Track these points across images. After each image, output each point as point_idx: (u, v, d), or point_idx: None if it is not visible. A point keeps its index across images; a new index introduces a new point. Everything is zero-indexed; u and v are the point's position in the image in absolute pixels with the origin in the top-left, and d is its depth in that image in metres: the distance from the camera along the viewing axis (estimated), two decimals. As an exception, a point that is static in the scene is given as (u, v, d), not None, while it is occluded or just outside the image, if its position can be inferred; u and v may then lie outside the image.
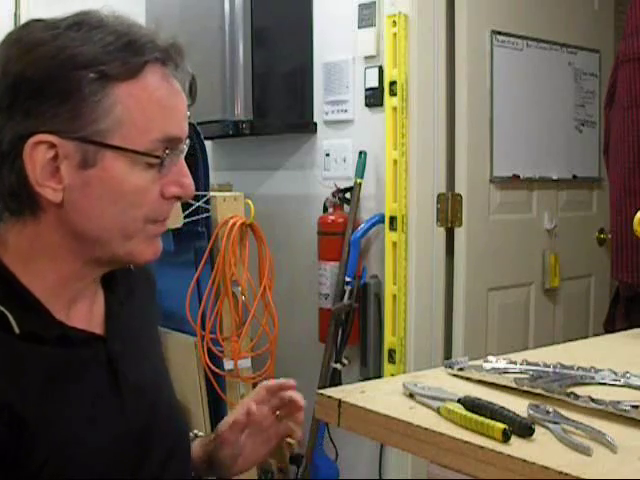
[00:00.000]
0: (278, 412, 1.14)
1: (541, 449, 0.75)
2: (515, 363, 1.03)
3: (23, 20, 2.42)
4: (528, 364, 1.02)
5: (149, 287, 1.13)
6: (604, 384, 0.97)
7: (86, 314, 0.95)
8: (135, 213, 0.89)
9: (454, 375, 1.02)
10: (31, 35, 0.86)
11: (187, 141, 0.94)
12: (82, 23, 0.87)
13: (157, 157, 0.88)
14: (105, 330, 0.96)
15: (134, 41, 0.87)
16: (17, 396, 0.83)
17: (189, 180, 0.93)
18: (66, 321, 0.91)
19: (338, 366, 2.54)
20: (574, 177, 2.97)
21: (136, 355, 0.99)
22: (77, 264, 0.91)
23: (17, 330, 0.85)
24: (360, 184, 2.56)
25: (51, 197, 0.86)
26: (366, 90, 2.58)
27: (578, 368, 1.01)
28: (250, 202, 2.27)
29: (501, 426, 0.77)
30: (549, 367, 1.01)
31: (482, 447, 0.76)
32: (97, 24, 0.87)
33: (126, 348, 0.97)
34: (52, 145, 0.85)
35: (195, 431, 1.19)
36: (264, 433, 1.14)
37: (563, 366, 1.01)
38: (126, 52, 0.86)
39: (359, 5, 2.58)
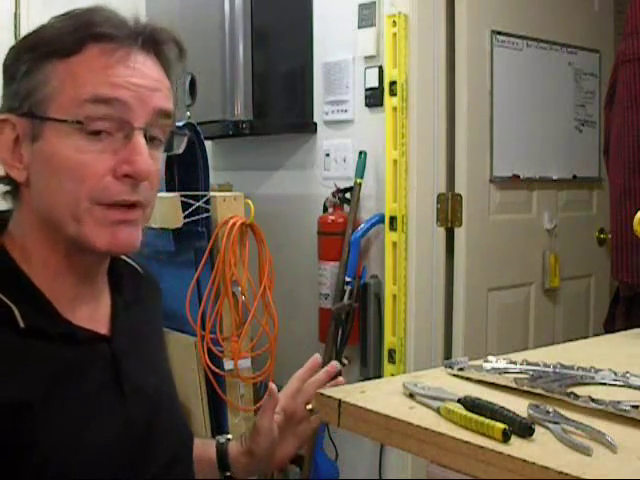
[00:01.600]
0: (309, 406, 1.13)
1: (541, 449, 0.75)
2: (515, 363, 1.03)
3: (23, 20, 2.42)
4: (528, 364, 1.02)
5: (156, 293, 1.13)
6: (604, 384, 0.97)
7: (91, 314, 0.95)
8: (77, 189, 0.86)
9: (454, 375, 1.02)
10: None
11: (165, 123, 0.91)
12: (67, 13, 0.90)
13: (80, 122, 0.85)
14: (110, 330, 0.96)
15: (86, 21, 0.88)
16: (19, 392, 0.83)
17: (140, 158, 0.87)
18: (72, 319, 0.90)
19: (338, 366, 2.53)
20: (574, 177, 2.97)
21: (140, 357, 0.99)
22: (58, 251, 0.90)
23: (22, 324, 0.85)
24: (360, 184, 2.56)
25: (17, 177, 0.89)
26: (366, 90, 2.58)
27: (578, 368, 1.01)
28: (250, 202, 2.27)
29: (501, 426, 0.77)
30: (549, 367, 1.01)
31: (482, 447, 0.76)
32: (75, 14, 0.90)
33: (130, 349, 0.96)
34: (13, 125, 0.88)
35: (228, 436, 1.18)
36: (295, 427, 1.14)
37: (563, 366, 1.01)
38: (74, 32, 0.87)
39: (359, 5, 2.58)
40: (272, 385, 1.10)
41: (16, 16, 2.29)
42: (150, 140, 0.90)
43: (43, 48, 0.87)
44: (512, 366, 1.02)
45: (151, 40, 0.91)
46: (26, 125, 0.87)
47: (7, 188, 0.92)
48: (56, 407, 0.85)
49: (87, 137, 0.86)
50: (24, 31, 2.30)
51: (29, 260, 0.90)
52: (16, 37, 2.31)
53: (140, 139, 0.88)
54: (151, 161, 0.88)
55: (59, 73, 0.87)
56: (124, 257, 1.05)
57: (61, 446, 0.85)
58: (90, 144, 0.86)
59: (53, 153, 0.86)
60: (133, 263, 1.08)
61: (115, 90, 0.86)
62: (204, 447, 1.17)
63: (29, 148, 0.88)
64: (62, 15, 0.91)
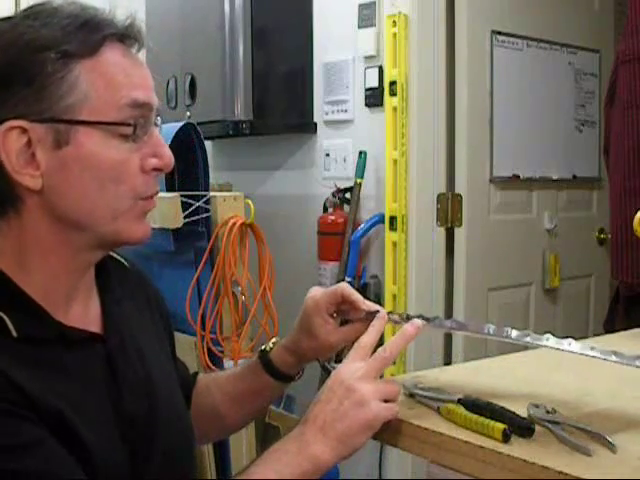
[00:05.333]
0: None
1: (541, 449, 0.75)
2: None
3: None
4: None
5: (143, 284, 1.12)
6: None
7: (82, 314, 0.94)
8: (119, 189, 0.88)
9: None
10: None
11: (159, 119, 0.93)
12: (38, 12, 0.88)
13: (129, 125, 0.87)
14: (103, 328, 0.95)
15: (90, 20, 0.87)
16: (17, 398, 0.82)
17: (166, 150, 0.91)
18: (65, 321, 0.90)
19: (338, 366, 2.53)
20: (574, 177, 2.97)
21: (134, 352, 0.98)
22: (67, 254, 0.90)
23: (15, 334, 0.84)
24: (360, 184, 2.56)
25: (30, 184, 0.86)
26: (366, 90, 2.58)
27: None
28: (250, 202, 2.27)
29: (501, 426, 0.77)
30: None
31: (482, 447, 0.76)
32: (52, 11, 0.88)
33: (124, 346, 0.96)
34: (24, 130, 0.84)
35: (274, 339, 1.16)
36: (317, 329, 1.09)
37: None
38: (84, 31, 0.86)
39: (359, 5, 2.58)
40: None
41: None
42: None
43: (57, 48, 0.85)
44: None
45: (134, 36, 0.92)
46: (45, 131, 0.85)
47: None
48: (54, 412, 0.85)
49: (122, 139, 0.87)
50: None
51: (21, 267, 0.89)
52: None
53: (159, 134, 0.92)
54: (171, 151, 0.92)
55: (87, 75, 0.85)
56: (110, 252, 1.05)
57: (62, 450, 0.84)
58: (123, 144, 0.87)
59: (90, 157, 0.86)
60: (117, 257, 1.08)
61: (147, 94, 0.89)
62: (243, 370, 1.17)
63: (50, 154, 0.85)
64: (32, 14, 0.87)
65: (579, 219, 3.03)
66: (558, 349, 0.90)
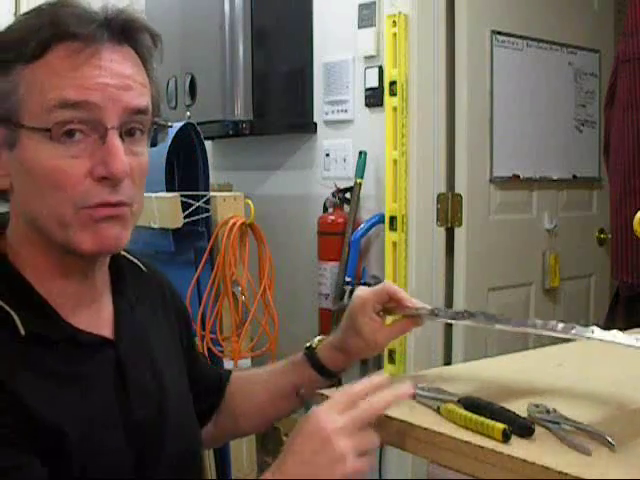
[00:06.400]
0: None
1: (541, 449, 0.75)
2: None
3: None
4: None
5: (161, 289, 1.11)
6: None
7: (94, 317, 0.93)
8: (58, 196, 0.84)
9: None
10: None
11: (141, 119, 0.88)
12: (31, 11, 0.88)
13: (47, 130, 0.83)
14: (114, 333, 0.94)
15: (52, 20, 0.85)
16: (22, 398, 0.82)
17: (114, 158, 0.84)
18: (75, 324, 0.89)
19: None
20: (574, 177, 2.97)
21: (145, 359, 0.97)
22: (51, 257, 0.89)
23: (22, 331, 0.84)
24: (360, 184, 2.56)
25: (0, 184, 0.88)
26: (366, 90, 2.58)
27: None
28: (250, 202, 2.27)
29: (501, 426, 0.77)
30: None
31: (482, 447, 0.76)
32: (40, 10, 0.87)
33: (135, 351, 0.95)
34: None
35: (319, 337, 1.16)
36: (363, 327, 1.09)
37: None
38: (40, 32, 0.84)
39: (359, 5, 2.58)
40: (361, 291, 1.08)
41: (16, 16, 2.30)
42: (130, 135, 0.87)
43: (8, 53, 0.85)
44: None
45: (122, 32, 0.87)
46: (3, 132, 0.86)
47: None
48: (60, 413, 0.85)
49: (60, 143, 0.83)
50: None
51: (27, 265, 0.89)
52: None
53: (114, 139, 0.85)
54: (127, 160, 0.85)
55: (25, 79, 0.84)
56: (126, 255, 1.04)
57: (66, 449, 0.84)
58: (64, 149, 0.84)
59: (30, 161, 0.85)
60: (135, 260, 1.06)
61: (83, 93, 0.83)
62: (286, 366, 1.17)
63: (8, 155, 0.86)
64: (28, 13, 0.88)
65: (579, 219, 3.03)
66: (603, 341, 0.89)
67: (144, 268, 1.07)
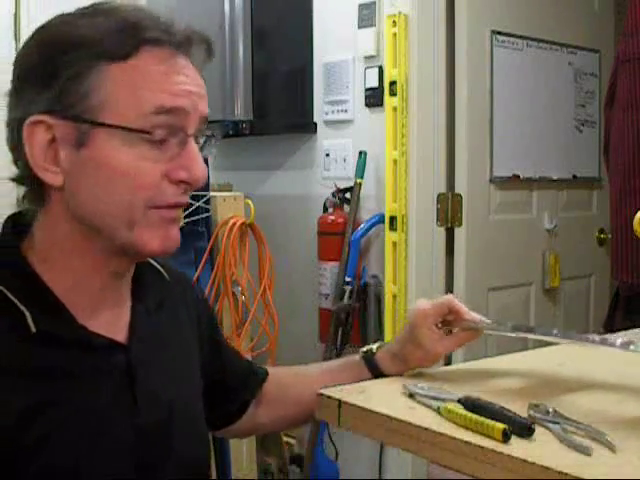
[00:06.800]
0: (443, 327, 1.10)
1: (541, 449, 0.75)
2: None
3: (23, 20, 2.40)
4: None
5: (185, 296, 1.09)
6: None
7: (110, 321, 0.93)
8: (133, 196, 0.85)
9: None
10: (46, 24, 0.88)
11: (204, 128, 0.91)
12: (93, 11, 0.87)
13: (147, 132, 0.84)
14: (128, 338, 0.94)
15: (135, 23, 0.86)
16: (27, 399, 0.82)
17: (197, 164, 0.88)
18: (90, 326, 0.89)
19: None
20: (574, 177, 2.97)
21: (159, 365, 0.96)
22: (89, 256, 0.89)
23: (33, 329, 0.84)
24: (360, 184, 2.56)
25: (52, 181, 0.85)
26: (366, 90, 2.59)
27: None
28: (250, 202, 2.27)
29: (501, 426, 0.77)
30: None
31: (482, 447, 0.76)
32: (109, 11, 0.87)
33: (149, 357, 0.94)
34: (49, 126, 0.84)
35: (377, 343, 1.17)
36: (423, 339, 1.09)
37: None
38: (123, 34, 0.85)
39: (359, 5, 2.58)
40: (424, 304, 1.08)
41: (16, 16, 2.29)
42: (196, 142, 0.91)
43: (92, 48, 0.84)
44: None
45: (191, 44, 0.90)
46: (69, 129, 0.84)
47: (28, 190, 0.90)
48: (65, 414, 0.84)
49: (146, 145, 0.85)
50: (24, 31, 2.30)
51: (49, 264, 0.88)
52: (16, 37, 2.30)
53: (194, 145, 0.89)
54: (205, 166, 0.90)
55: (114, 78, 0.84)
56: (151, 261, 1.03)
57: (71, 452, 0.84)
58: (148, 151, 0.85)
59: (107, 160, 0.84)
60: (158, 267, 1.05)
61: (176, 99, 0.86)
62: (342, 367, 1.18)
63: (71, 153, 0.85)
64: (89, 12, 0.87)
65: (579, 219, 3.03)
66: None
67: (166, 275, 1.05)
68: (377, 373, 1.13)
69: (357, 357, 1.18)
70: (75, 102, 0.84)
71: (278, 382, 1.21)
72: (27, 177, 0.87)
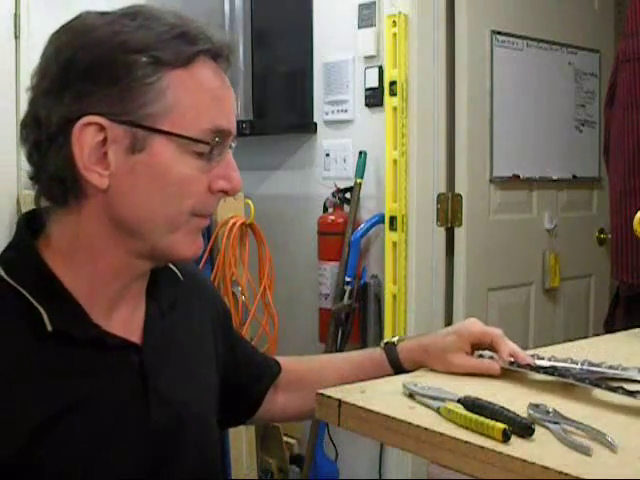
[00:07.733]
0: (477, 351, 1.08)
1: (541, 449, 0.75)
2: (543, 358, 1.03)
3: (23, 20, 2.40)
4: (556, 360, 1.02)
5: (200, 298, 1.09)
6: (634, 381, 0.96)
7: (125, 321, 0.93)
8: (181, 204, 0.87)
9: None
10: (85, 22, 0.87)
11: (235, 140, 0.93)
12: (137, 13, 0.87)
13: (207, 143, 0.86)
14: (142, 339, 0.94)
15: (187, 32, 0.87)
16: (41, 397, 0.82)
17: (236, 174, 0.91)
18: (105, 326, 0.89)
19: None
20: (574, 177, 2.97)
21: (173, 367, 0.96)
22: (115, 257, 0.89)
23: (49, 327, 0.84)
24: (360, 184, 2.56)
25: (97, 182, 0.85)
26: (366, 90, 2.59)
27: (604, 365, 1.00)
28: (250, 202, 2.27)
29: (501, 426, 0.77)
30: (576, 364, 1.01)
31: (482, 447, 0.76)
32: (151, 15, 0.87)
33: (162, 358, 0.94)
34: (101, 128, 0.84)
35: (396, 337, 1.17)
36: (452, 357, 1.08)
37: (591, 363, 1.01)
38: (179, 41, 0.85)
39: (359, 5, 2.58)
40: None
41: (16, 16, 2.29)
42: None
43: (153, 54, 0.84)
44: (541, 362, 1.02)
45: (227, 54, 0.92)
46: (124, 133, 0.84)
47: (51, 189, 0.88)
48: (80, 415, 0.84)
49: (195, 155, 0.87)
50: (24, 32, 2.29)
51: (68, 263, 0.88)
52: (16, 37, 2.30)
53: (231, 156, 0.92)
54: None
55: (176, 86, 0.85)
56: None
57: (82, 454, 0.84)
58: (196, 161, 0.87)
59: (163, 167, 0.85)
60: (172, 267, 1.04)
61: (230, 121, 0.90)
62: (363, 359, 1.17)
63: (123, 156, 0.85)
64: (131, 13, 0.87)
65: (579, 219, 3.03)
66: None
67: (180, 275, 1.05)
68: (398, 367, 1.12)
69: (377, 349, 1.16)
70: (135, 108, 0.84)
71: (295, 369, 1.22)
72: (66, 175, 0.85)
